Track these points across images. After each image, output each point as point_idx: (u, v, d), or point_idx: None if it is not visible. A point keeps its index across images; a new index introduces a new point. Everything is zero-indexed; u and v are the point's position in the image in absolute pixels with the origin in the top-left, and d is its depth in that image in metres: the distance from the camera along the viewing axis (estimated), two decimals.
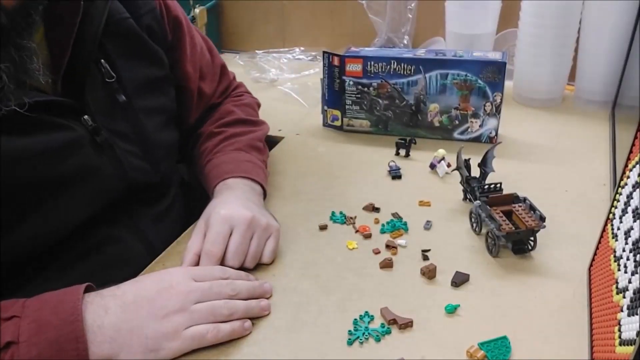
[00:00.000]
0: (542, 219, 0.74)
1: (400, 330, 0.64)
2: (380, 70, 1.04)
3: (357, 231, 0.81)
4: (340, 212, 0.85)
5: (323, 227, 0.82)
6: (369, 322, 0.66)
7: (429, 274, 0.72)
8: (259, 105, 1.04)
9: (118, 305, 0.59)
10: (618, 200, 0.64)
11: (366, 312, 0.67)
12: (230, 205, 0.75)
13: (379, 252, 0.77)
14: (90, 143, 0.71)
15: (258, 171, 0.86)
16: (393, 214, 0.85)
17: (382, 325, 0.65)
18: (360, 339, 0.63)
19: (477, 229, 0.80)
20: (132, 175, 0.76)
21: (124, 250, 0.77)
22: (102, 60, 0.73)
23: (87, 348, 0.56)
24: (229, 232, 0.72)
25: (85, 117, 0.70)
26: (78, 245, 0.72)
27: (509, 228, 0.73)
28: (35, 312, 0.57)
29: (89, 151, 0.71)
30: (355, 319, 0.66)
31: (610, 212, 0.66)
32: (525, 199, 0.78)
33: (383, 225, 0.82)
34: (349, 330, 0.64)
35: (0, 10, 0.58)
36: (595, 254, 0.69)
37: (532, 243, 0.75)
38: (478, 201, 0.79)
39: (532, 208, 0.76)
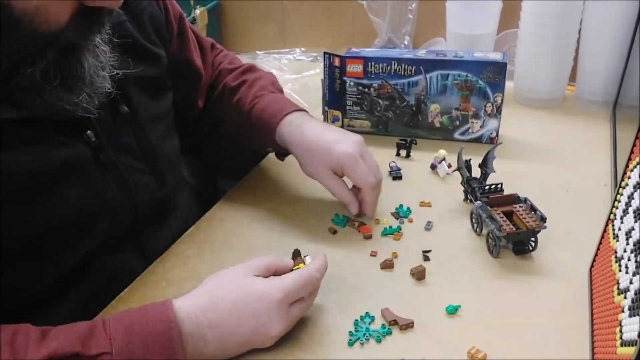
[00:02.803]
0: (543, 219, 0.74)
1: (401, 331, 0.64)
2: (380, 71, 1.04)
3: (359, 231, 0.81)
4: (344, 216, 0.85)
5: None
6: (369, 323, 0.65)
7: (418, 275, 0.72)
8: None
9: (216, 339, 0.59)
10: (619, 201, 0.64)
11: (367, 313, 0.67)
12: (338, 136, 0.81)
13: (376, 255, 0.77)
14: (94, 163, 0.67)
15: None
16: (393, 214, 0.85)
17: (383, 326, 0.65)
18: (361, 340, 0.63)
19: (477, 230, 0.80)
20: (138, 194, 0.73)
21: (127, 270, 0.74)
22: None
23: None
24: (363, 161, 0.80)
25: (88, 132, 0.67)
26: (78, 277, 0.68)
27: (510, 229, 0.73)
28: (127, 348, 0.53)
29: (92, 171, 0.67)
30: (356, 320, 0.66)
31: (611, 212, 0.66)
32: (526, 200, 0.77)
33: (385, 229, 0.82)
34: (350, 332, 0.64)
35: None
36: (596, 254, 0.69)
37: (532, 244, 0.75)
38: (479, 202, 0.79)
39: (532, 208, 0.76)
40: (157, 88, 0.80)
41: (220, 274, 0.63)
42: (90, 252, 0.69)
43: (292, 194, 0.92)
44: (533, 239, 0.75)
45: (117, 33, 0.69)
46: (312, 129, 0.83)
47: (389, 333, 0.64)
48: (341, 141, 0.80)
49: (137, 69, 0.73)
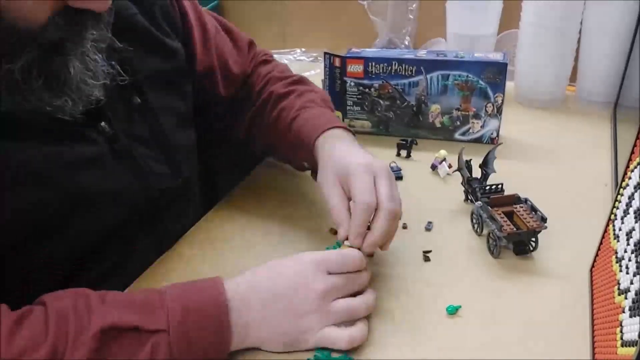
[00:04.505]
0: (544, 219, 0.74)
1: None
2: (381, 71, 1.04)
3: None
4: None
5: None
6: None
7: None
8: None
9: (258, 301, 0.60)
10: (619, 201, 0.64)
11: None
12: (360, 153, 0.74)
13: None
14: (109, 151, 0.69)
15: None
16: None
17: None
18: None
19: (478, 230, 0.80)
20: (153, 182, 0.75)
21: (140, 256, 0.76)
22: (113, 62, 0.68)
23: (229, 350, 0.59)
24: (372, 180, 0.69)
25: (102, 124, 0.68)
26: (95, 266, 0.70)
27: (510, 229, 0.73)
28: (182, 326, 0.56)
29: (108, 160, 0.69)
30: None
31: (611, 212, 0.66)
32: (526, 200, 0.77)
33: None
34: None
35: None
36: (596, 254, 0.69)
37: (533, 244, 0.75)
38: (479, 202, 0.79)
39: (533, 209, 0.76)
40: (171, 80, 0.80)
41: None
42: (104, 236, 0.70)
43: (293, 195, 0.92)
44: (533, 239, 0.75)
45: (127, 26, 0.70)
46: (342, 148, 0.76)
47: None
48: (361, 157, 0.72)
49: (149, 60, 0.74)
